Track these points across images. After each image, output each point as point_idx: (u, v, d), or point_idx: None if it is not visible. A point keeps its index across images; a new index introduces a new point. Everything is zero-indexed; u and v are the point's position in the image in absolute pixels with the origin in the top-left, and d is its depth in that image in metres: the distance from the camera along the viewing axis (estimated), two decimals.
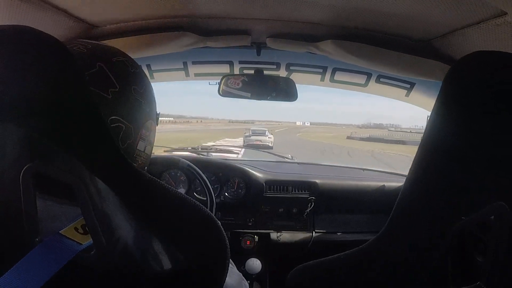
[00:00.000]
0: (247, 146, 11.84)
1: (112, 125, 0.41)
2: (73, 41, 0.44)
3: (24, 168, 0.32)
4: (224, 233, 0.42)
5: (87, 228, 0.34)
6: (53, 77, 0.32)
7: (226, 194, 1.44)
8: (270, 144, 13.68)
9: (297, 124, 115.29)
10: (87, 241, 0.35)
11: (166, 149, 1.78)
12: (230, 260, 0.62)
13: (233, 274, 0.58)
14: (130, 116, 0.43)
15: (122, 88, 0.42)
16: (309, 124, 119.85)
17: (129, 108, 0.43)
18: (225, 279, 0.43)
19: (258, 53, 1.12)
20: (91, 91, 0.34)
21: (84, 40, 0.46)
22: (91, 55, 0.42)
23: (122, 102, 0.42)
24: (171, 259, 0.38)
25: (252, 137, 14.32)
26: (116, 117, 0.41)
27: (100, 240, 0.34)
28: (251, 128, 17.41)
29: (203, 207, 0.40)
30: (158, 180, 0.37)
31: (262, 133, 15.14)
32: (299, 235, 1.45)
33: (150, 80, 0.49)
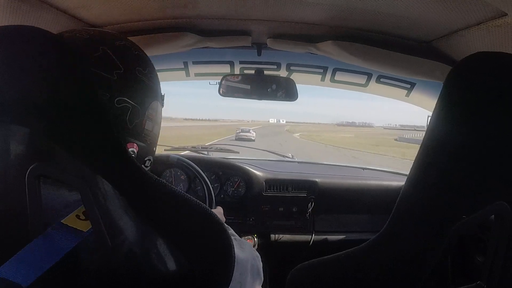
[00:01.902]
0: (238, 139, 17.62)
1: (118, 106, 0.42)
2: (77, 29, 0.44)
3: (29, 169, 0.32)
4: (229, 234, 0.42)
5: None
6: (53, 76, 0.32)
7: (226, 193, 1.44)
8: (252, 138, 20.38)
9: (270, 121, 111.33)
10: (89, 227, 0.34)
11: (166, 148, 1.78)
12: (237, 237, 0.63)
13: (244, 247, 0.59)
14: (136, 97, 0.44)
15: (126, 69, 0.43)
16: (285, 122, 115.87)
17: (134, 89, 0.44)
18: (232, 278, 0.43)
19: (259, 53, 1.12)
20: (94, 83, 0.34)
21: (86, 28, 0.46)
22: (93, 40, 0.43)
23: (127, 83, 0.43)
24: (174, 260, 0.38)
25: (241, 133, 21.94)
26: (123, 98, 0.42)
27: (106, 242, 0.34)
28: (241, 128, 26.87)
29: (207, 208, 0.40)
30: (163, 181, 0.37)
31: (247, 131, 23.56)
32: (299, 235, 1.45)
33: None
